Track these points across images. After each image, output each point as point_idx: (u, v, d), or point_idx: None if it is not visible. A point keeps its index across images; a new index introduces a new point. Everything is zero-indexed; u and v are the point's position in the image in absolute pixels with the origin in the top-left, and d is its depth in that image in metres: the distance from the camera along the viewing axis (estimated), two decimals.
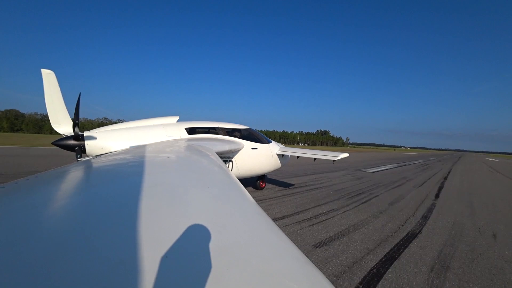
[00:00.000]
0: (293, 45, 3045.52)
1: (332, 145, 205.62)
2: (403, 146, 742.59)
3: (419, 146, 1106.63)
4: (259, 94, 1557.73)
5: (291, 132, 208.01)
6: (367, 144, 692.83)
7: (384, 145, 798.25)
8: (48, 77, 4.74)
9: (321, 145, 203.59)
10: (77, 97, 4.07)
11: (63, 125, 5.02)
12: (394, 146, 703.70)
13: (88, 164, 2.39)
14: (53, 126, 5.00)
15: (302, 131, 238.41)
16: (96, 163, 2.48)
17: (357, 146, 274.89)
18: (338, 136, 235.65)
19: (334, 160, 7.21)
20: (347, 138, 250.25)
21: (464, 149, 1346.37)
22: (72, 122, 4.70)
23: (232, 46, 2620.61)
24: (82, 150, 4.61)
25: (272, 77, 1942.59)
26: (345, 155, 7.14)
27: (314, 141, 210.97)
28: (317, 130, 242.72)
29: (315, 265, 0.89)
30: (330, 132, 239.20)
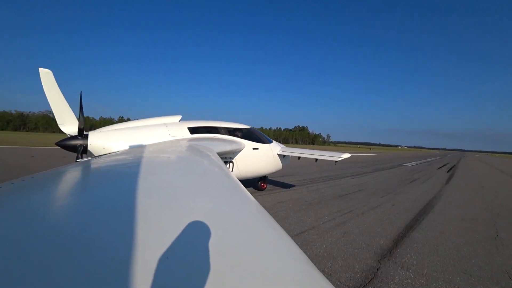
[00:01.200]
0: (285, 42, 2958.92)
1: (309, 143, 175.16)
2: (400, 145, 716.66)
3: (416, 146, 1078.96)
4: (244, 91, 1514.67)
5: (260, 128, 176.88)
6: (360, 143, 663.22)
7: (380, 144, 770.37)
8: (46, 76, 4.61)
9: (295, 143, 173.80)
10: (79, 96, 4.12)
11: (68, 124, 4.92)
12: (391, 145, 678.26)
13: (86, 165, 2.35)
14: (59, 126, 4.90)
15: (280, 128, 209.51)
16: (94, 164, 2.47)
17: (339, 144, 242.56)
18: (317, 133, 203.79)
19: (336, 161, 6.84)
20: (328, 136, 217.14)
21: (463, 148, 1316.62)
22: (77, 121, 4.75)
23: (206, 45, 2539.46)
24: (84, 150, 4.57)
25: (256, 74, 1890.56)
26: (347, 155, 6.75)
27: (286, 138, 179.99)
28: (295, 126, 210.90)
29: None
30: (308, 128, 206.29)
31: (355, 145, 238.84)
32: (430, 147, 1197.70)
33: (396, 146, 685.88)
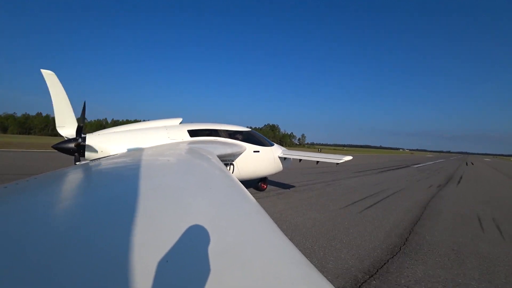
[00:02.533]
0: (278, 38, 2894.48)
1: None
2: (402, 148, 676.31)
3: (419, 148, 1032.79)
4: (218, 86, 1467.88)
5: None
6: (359, 146, 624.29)
7: (380, 147, 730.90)
8: (50, 77, 4.66)
9: None
10: (82, 103, 4.18)
11: (67, 127, 4.94)
12: (392, 148, 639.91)
13: (86, 167, 2.39)
14: (57, 128, 4.93)
15: (251, 126, 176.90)
16: (95, 166, 2.48)
17: (317, 146, 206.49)
18: (288, 132, 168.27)
19: (337, 163, 7.04)
20: (303, 136, 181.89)
21: (468, 151, 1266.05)
22: (76, 124, 4.78)
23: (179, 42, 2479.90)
24: (82, 153, 4.59)
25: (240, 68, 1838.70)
26: (349, 158, 6.91)
27: None
28: (265, 124, 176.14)
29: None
30: (279, 126, 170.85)
31: (341, 148, 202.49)
32: (434, 149, 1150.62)
33: (398, 149, 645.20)
